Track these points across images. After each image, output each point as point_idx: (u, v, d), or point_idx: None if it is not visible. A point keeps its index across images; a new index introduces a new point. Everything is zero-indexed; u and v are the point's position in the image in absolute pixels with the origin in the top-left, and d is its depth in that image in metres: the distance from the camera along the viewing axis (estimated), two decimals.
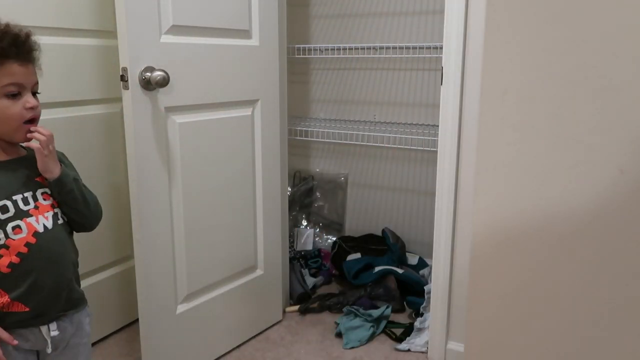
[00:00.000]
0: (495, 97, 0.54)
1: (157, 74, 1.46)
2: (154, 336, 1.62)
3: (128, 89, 1.45)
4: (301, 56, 2.42)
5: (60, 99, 1.72)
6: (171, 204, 1.62)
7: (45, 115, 1.67)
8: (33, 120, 1.06)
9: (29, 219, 1.04)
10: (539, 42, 0.51)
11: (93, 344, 1.91)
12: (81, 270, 1.81)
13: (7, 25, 1.03)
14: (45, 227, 1.06)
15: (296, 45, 2.37)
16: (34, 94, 1.08)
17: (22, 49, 1.03)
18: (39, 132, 1.05)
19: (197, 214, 1.70)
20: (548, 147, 0.52)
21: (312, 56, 2.52)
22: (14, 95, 1.02)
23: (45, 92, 1.64)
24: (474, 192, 0.57)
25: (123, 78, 1.45)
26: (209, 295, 1.79)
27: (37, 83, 1.08)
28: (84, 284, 1.85)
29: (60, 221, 1.10)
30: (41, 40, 1.63)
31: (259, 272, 1.98)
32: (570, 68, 0.50)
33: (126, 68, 1.44)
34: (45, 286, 1.06)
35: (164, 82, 1.47)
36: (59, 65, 1.69)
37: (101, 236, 1.90)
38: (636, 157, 0.48)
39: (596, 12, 0.48)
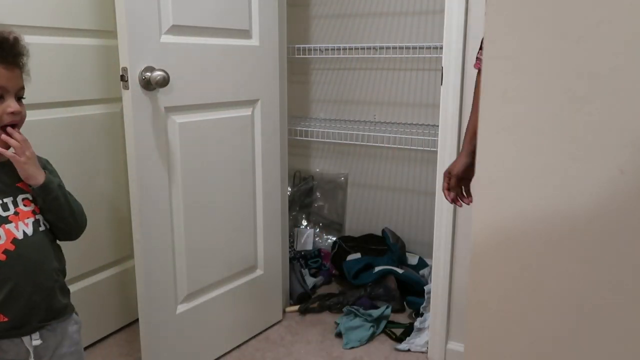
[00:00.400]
0: (495, 97, 0.54)
1: (157, 74, 1.46)
2: (154, 336, 1.62)
3: (128, 89, 1.45)
4: (301, 56, 2.42)
5: (60, 99, 1.72)
6: (171, 204, 1.62)
7: (45, 115, 1.69)
8: (14, 126, 1.02)
9: (7, 226, 1.01)
10: (539, 42, 0.51)
11: (93, 344, 1.91)
12: (80, 270, 1.83)
13: None
14: (25, 233, 1.03)
15: (296, 45, 2.37)
16: (19, 99, 1.04)
17: (9, 52, 1.00)
18: (13, 137, 1.01)
19: (197, 213, 1.70)
20: (548, 147, 0.52)
21: (312, 56, 2.52)
22: None
23: (45, 92, 1.65)
24: (474, 192, 0.57)
25: (123, 78, 1.45)
26: (209, 295, 1.79)
27: (22, 88, 1.04)
28: (84, 284, 1.86)
29: (42, 228, 1.07)
30: (41, 40, 1.64)
31: (259, 272, 1.98)
32: (570, 68, 0.50)
33: (126, 68, 1.44)
34: (24, 294, 1.03)
35: (164, 82, 1.47)
36: (59, 65, 1.69)
37: (101, 236, 1.90)
38: (636, 157, 0.48)
39: (596, 12, 0.48)
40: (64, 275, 1.14)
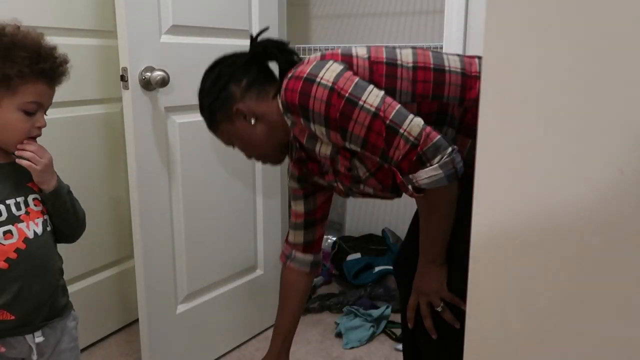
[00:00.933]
0: (495, 97, 0.54)
1: (157, 74, 1.46)
2: (154, 336, 1.62)
3: (128, 89, 1.45)
4: (301, 56, 2.41)
5: (60, 99, 1.70)
6: (171, 204, 1.62)
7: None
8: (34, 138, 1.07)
9: (20, 225, 1.03)
10: (539, 42, 0.51)
11: (93, 344, 1.92)
12: (80, 270, 1.83)
13: (54, 49, 1.05)
14: (35, 233, 1.05)
15: (296, 45, 2.36)
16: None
17: (56, 73, 1.05)
18: (26, 149, 1.04)
19: (197, 213, 1.70)
20: (548, 147, 0.52)
21: None
22: (31, 113, 1.03)
23: None
24: (474, 192, 0.57)
25: (123, 78, 1.45)
26: (209, 296, 1.79)
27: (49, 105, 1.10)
28: (84, 284, 1.86)
29: (49, 228, 1.09)
30: None
31: (259, 272, 1.98)
32: (570, 68, 0.50)
33: (126, 68, 1.44)
34: (32, 294, 1.05)
35: (164, 82, 1.47)
36: None
37: (101, 236, 1.90)
38: (636, 157, 0.48)
39: (597, 12, 0.48)
40: (63, 274, 1.16)
